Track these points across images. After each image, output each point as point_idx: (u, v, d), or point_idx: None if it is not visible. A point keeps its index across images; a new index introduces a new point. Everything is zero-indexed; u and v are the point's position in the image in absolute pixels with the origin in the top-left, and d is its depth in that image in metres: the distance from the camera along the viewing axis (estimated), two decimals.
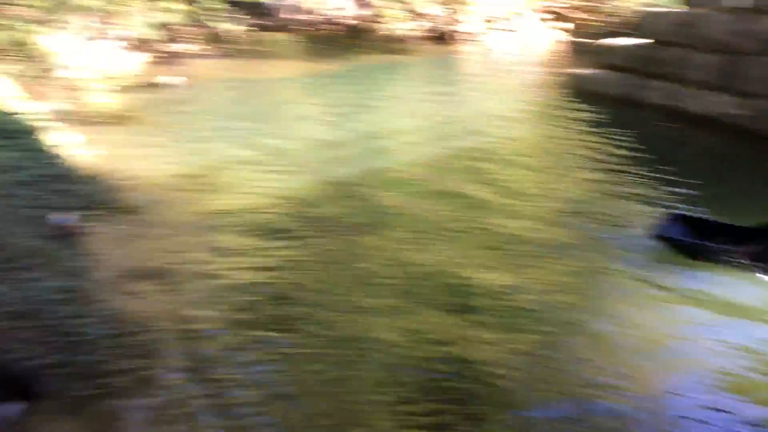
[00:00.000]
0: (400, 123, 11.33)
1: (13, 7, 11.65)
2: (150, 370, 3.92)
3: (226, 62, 18.62)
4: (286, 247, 5.94)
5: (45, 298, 4.00)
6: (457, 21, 23.29)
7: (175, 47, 18.80)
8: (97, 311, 4.23)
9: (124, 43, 16.38)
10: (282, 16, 27.71)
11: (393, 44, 22.57)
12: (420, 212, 6.78)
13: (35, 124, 7.25)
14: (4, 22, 11.47)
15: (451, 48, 22.03)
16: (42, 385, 3.55)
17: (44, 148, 6.91)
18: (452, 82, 16.45)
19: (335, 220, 6.54)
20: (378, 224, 6.47)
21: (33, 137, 6.90)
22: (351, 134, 10.38)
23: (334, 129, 10.75)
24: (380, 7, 24.51)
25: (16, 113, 7.30)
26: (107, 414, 3.51)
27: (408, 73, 18.13)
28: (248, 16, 26.35)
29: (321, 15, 27.22)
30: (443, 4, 22.57)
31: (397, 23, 22.71)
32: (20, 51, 11.15)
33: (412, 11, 22.14)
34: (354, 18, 28.31)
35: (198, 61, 18.53)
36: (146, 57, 17.32)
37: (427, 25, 23.44)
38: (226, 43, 21.89)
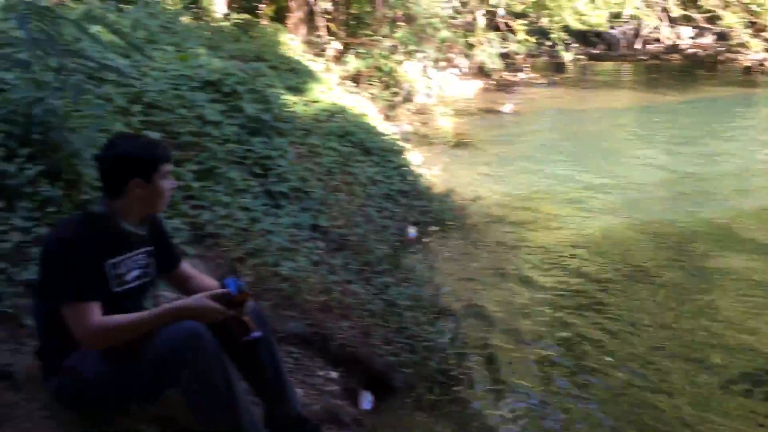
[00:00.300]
0: (735, 165, 10.26)
1: (375, 39, 13.16)
2: (491, 383, 4.11)
3: (557, 91, 18.73)
4: (598, 291, 5.75)
5: (397, 302, 4.43)
6: None
7: (507, 75, 19.48)
8: (443, 320, 4.56)
9: (464, 71, 17.48)
10: (617, 45, 27.04)
11: (741, 75, 20.61)
12: (749, 272, 6.06)
13: (390, 143, 8.07)
14: (366, 51, 13.02)
15: None
16: (393, 382, 3.93)
17: (396, 166, 7.65)
18: None
19: (651, 271, 6.16)
20: (700, 281, 5.93)
21: (388, 155, 7.69)
22: (677, 174, 9.72)
23: (658, 167, 10.17)
24: (726, 34, 22.40)
25: (377, 132, 8.20)
26: (453, 415, 3.76)
27: (755, 109, 16.35)
28: (580, 45, 26.24)
29: (658, 44, 25.90)
30: None
31: (746, 52, 20.50)
32: (380, 77, 12.54)
33: (765, 38, 19.83)
34: (695, 47, 26.47)
35: (529, 90, 18.96)
36: (481, 84, 18.27)
37: None
38: (558, 72, 22.06)
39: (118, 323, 2.45)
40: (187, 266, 2.98)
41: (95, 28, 5.41)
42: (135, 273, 2.66)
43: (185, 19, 9.45)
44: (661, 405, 3.98)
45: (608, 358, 4.53)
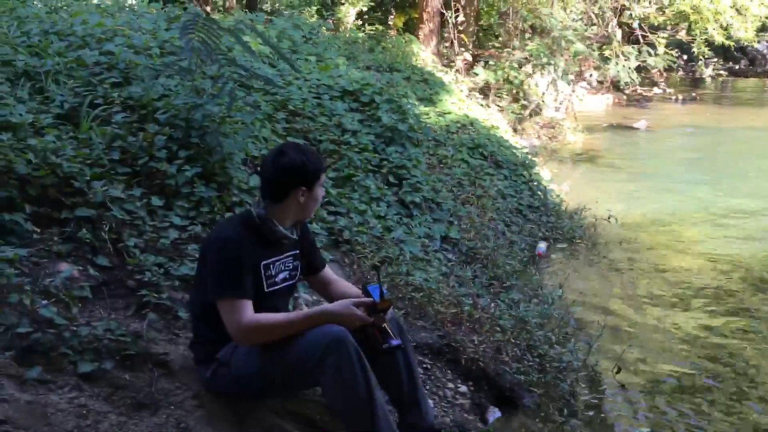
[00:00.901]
0: None
1: (505, 51, 13.06)
2: (622, 411, 3.96)
3: (693, 108, 17.83)
4: (738, 319, 5.39)
5: (527, 319, 4.34)
6: None
7: (641, 90, 18.75)
8: (574, 340, 4.43)
9: (595, 85, 17.00)
10: (762, 61, 25.37)
11: None
12: None
13: (520, 157, 7.96)
14: (496, 63, 12.94)
15: None
16: (522, 400, 3.86)
17: (526, 180, 7.54)
18: None
19: None
20: None
21: (519, 169, 7.59)
22: None
23: None
24: None
25: (507, 146, 8.11)
26: None
27: None
28: (720, 60, 24.82)
29: None
30: None
31: None
32: (510, 90, 12.43)
33: None
34: None
35: (663, 105, 18.16)
36: (612, 99, 17.69)
37: None
38: (695, 88, 20.99)
39: (270, 322, 2.56)
40: (329, 271, 3.07)
41: (246, 38, 5.72)
42: (283, 275, 2.77)
43: (324, 30, 9.76)
44: None
45: (750, 386, 4.24)
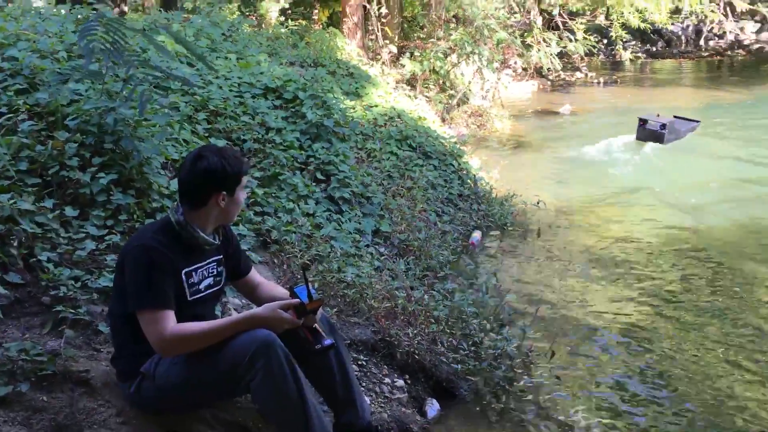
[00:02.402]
0: None
1: (431, 42, 13.11)
2: (556, 393, 4.02)
3: (615, 90, 18.33)
4: (666, 293, 5.58)
5: (462, 309, 4.36)
6: None
7: (564, 75, 19.17)
8: (509, 327, 4.47)
9: (520, 72, 17.28)
10: (677, 42, 26.31)
11: None
12: None
13: (449, 146, 8.00)
14: (421, 54, 12.98)
15: None
16: (457, 389, 3.88)
17: (455, 170, 7.58)
18: None
19: (711, 275, 5.97)
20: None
21: (447, 159, 7.63)
22: (741, 176, 9.37)
23: (725, 168, 9.81)
24: None
25: (435, 136, 8.14)
26: (520, 423, 3.68)
27: None
28: (639, 43, 25.64)
29: (720, 40, 25.10)
30: None
31: None
32: (436, 80, 12.49)
33: None
34: (762, 42, 25.54)
35: (586, 89, 18.61)
36: (537, 85, 18.03)
37: None
38: (616, 71, 21.60)
39: (193, 331, 2.47)
40: (256, 274, 3.00)
41: (160, 38, 5.54)
42: (207, 281, 2.69)
43: (245, 27, 9.57)
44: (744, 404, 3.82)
45: (679, 360, 4.38)
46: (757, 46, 25.42)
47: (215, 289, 2.75)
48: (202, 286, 2.66)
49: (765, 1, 17.18)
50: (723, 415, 3.84)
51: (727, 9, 16.57)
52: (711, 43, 25.50)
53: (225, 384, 2.53)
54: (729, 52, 25.12)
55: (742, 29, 25.95)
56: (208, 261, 2.69)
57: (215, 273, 2.73)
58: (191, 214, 2.58)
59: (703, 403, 3.96)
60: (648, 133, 11.26)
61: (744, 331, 4.86)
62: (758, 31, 26.97)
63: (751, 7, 17.01)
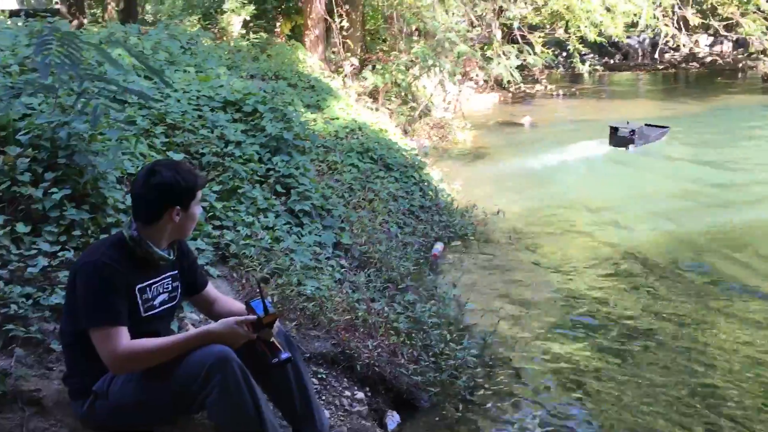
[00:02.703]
0: (759, 174, 10.14)
1: (393, 55, 13.20)
2: (516, 400, 4.06)
3: (575, 102, 18.67)
4: (624, 302, 5.69)
5: (423, 320, 4.39)
6: None
7: (524, 88, 19.45)
8: (469, 337, 4.51)
9: (481, 84, 17.48)
10: (634, 55, 26.91)
11: (763, 83, 20.40)
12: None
13: (410, 158, 8.06)
14: (383, 66, 13.05)
15: None
16: (420, 401, 3.89)
17: (417, 181, 7.63)
18: None
19: (676, 283, 6.11)
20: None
21: (409, 170, 7.68)
22: (702, 184, 9.64)
23: (683, 177, 10.07)
24: (745, 41, 22.11)
25: (397, 148, 8.19)
26: None
27: None
28: (597, 56, 26.14)
29: (676, 53, 25.74)
30: None
31: (766, 59, 20.17)
32: (398, 92, 12.57)
33: None
34: (715, 55, 26.27)
35: (546, 101, 18.91)
36: (498, 97, 18.26)
37: None
38: (575, 84, 21.99)
39: (146, 348, 2.44)
40: (212, 289, 2.98)
41: (117, 51, 5.49)
42: (162, 297, 2.66)
43: (205, 40, 9.53)
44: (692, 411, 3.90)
45: (632, 369, 4.46)
46: (710, 59, 26.14)
47: (171, 305, 2.72)
48: (156, 302, 2.63)
49: (717, 16, 17.68)
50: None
51: (681, 23, 17.00)
52: (666, 56, 26.13)
53: (180, 401, 2.50)
54: (684, 65, 25.79)
55: (696, 42, 26.65)
56: (162, 277, 2.67)
57: (170, 289, 2.71)
58: (145, 229, 2.56)
59: (657, 409, 4.03)
60: (619, 139, 12.00)
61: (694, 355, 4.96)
62: (711, 45, 27.74)
63: (703, 21, 17.48)
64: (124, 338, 2.42)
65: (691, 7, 16.73)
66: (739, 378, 4.38)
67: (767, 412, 4.02)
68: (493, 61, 13.61)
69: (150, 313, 2.60)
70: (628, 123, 12.37)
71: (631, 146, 11.87)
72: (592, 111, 17.14)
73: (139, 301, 2.55)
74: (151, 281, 2.61)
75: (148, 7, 20.81)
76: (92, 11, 19.33)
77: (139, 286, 2.55)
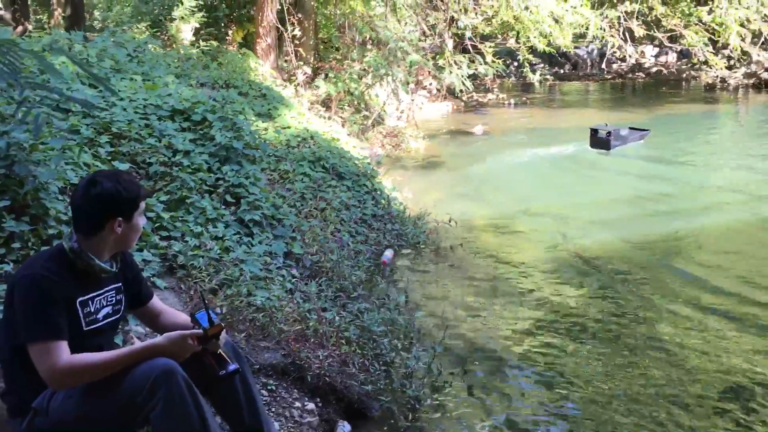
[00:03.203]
0: (704, 180, 10.50)
1: (346, 64, 13.23)
2: (465, 408, 4.09)
3: (526, 111, 18.97)
4: (574, 309, 5.79)
5: (374, 329, 4.39)
6: None
7: (477, 97, 19.70)
8: (419, 345, 4.53)
9: (434, 93, 17.63)
10: (583, 65, 27.51)
11: (704, 92, 21.07)
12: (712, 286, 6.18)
13: (362, 167, 8.07)
14: (336, 75, 13.07)
15: None
16: (368, 410, 3.89)
17: (369, 190, 7.64)
18: None
19: (627, 290, 6.25)
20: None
21: (361, 179, 7.68)
22: (647, 192, 9.90)
23: (629, 186, 10.33)
24: (688, 52, 22.80)
25: (349, 157, 8.19)
26: None
27: (719, 125, 16.68)
28: (547, 66, 26.65)
29: (623, 63, 26.40)
30: None
31: (709, 69, 20.85)
32: (351, 101, 12.59)
33: (728, 56, 20.17)
34: (658, 65, 27.04)
35: (498, 110, 19.17)
36: (451, 106, 18.44)
37: (750, 70, 21.45)
38: (526, 93, 22.36)
39: (87, 363, 2.39)
40: (157, 301, 2.92)
41: (61, 59, 5.37)
42: (106, 310, 2.60)
43: (153, 48, 9.39)
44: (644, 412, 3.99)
45: (584, 373, 4.54)
46: (655, 69, 26.89)
47: (114, 318, 2.67)
48: (99, 316, 2.58)
49: (661, 28, 18.21)
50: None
51: (626, 34, 17.47)
52: (614, 66, 26.77)
53: (124, 416, 2.44)
54: (631, 75, 26.47)
55: (642, 53, 27.40)
56: (106, 289, 2.61)
57: (114, 301, 2.65)
58: (86, 241, 2.50)
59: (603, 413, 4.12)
60: (597, 140, 12.53)
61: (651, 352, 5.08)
62: (657, 55, 28.55)
63: (648, 32, 18.00)
64: (64, 353, 2.36)
65: (636, 19, 17.20)
66: (682, 367, 4.53)
67: (711, 398, 4.16)
68: (445, 71, 13.76)
69: (92, 326, 2.54)
70: (606, 125, 12.92)
71: (611, 148, 12.42)
72: (543, 119, 17.45)
73: (81, 315, 2.49)
74: (94, 294, 2.55)
75: (96, 13, 20.42)
76: (38, 17, 18.89)
77: (81, 299, 2.50)
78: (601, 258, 7.06)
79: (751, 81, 21.28)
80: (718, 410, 4.11)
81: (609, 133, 12.48)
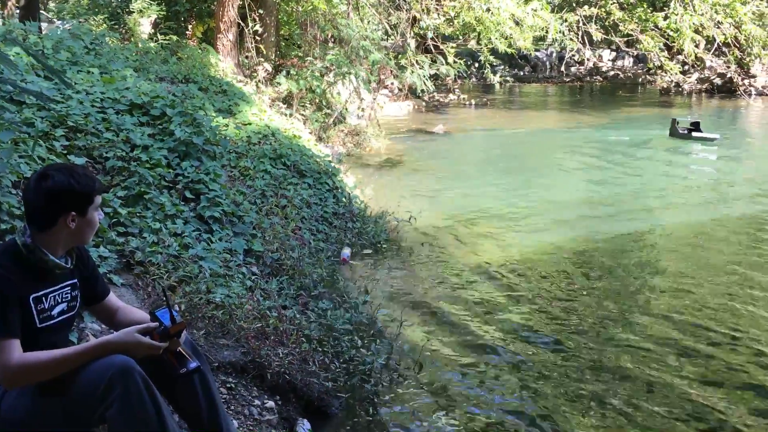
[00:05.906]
0: (663, 182, 10.76)
1: (308, 61, 13.15)
2: (422, 401, 4.12)
3: (486, 112, 19.17)
4: (531, 307, 5.88)
5: (334, 326, 4.38)
6: (744, 72, 21.51)
7: (438, 96, 19.81)
8: (379, 342, 4.54)
9: (396, 92, 17.67)
10: (542, 67, 27.89)
11: (661, 96, 21.55)
12: (668, 287, 6.32)
13: (324, 165, 8.04)
14: (298, 72, 12.99)
15: (734, 102, 20.45)
16: (328, 407, 3.88)
17: (330, 188, 7.62)
18: (741, 141, 15.23)
19: (582, 284, 6.37)
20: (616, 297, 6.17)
21: (322, 177, 7.66)
22: (601, 194, 10.10)
23: (584, 188, 10.53)
24: (644, 57, 23.28)
25: (311, 155, 8.16)
26: None
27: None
28: (507, 68, 26.96)
29: (581, 66, 26.87)
30: (727, 53, 20.62)
31: (665, 74, 21.29)
32: (312, 99, 12.53)
33: (683, 61, 20.66)
34: (616, 69, 27.56)
35: (459, 110, 19.32)
36: (412, 105, 18.50)
37: (703, 75, 22.02)
38: (486, 94, 22.57)
39: (40, 360, 2.33)
40: (114, 298, 2.87)
41: (14, 50, 5.23)
42: (60, 307, 2.54)
43: (110, 41, 9.20)
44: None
45: (541, 368, 4.61)
46: (612, 72, 27.42)
47: (69, 315, 2.60)
48: (54, 312, 2.51)
49: (618, 32, 18.59)
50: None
51: (585, 38, 17.76)
52: (572, 69, 27.23)
53: (78, 415, 2.39)
54: (588, 78, 26.95)
55: (599, 57, 27.90)
56: (60, 285, 2.55)
57: (69, 298, 2.59)
58: (39, 236, 2.44)
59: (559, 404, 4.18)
60: (677, 131, 14.71)
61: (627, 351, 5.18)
62: (614, 59, 29.11)
63: (606, 37, 18.34)
64: (15, 351, 2.30)
65: (595, 24, 17.50)
66: (645, 364, 4.62)
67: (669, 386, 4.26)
68: (407, 70, 13.79)
69: (46, 323, 2.48)
70: (688, 117, 15.24)
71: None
72: (503, 120, 17.67)
73: (34, 312, 2.43)
74: (48, 290, 2.49)
75: (51, 4, 19.94)
76: None
77: (34, 295, 2.43)
78: (558, 257, 7.18)
79: (704, 86, 21.87)
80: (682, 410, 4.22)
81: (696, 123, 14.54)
